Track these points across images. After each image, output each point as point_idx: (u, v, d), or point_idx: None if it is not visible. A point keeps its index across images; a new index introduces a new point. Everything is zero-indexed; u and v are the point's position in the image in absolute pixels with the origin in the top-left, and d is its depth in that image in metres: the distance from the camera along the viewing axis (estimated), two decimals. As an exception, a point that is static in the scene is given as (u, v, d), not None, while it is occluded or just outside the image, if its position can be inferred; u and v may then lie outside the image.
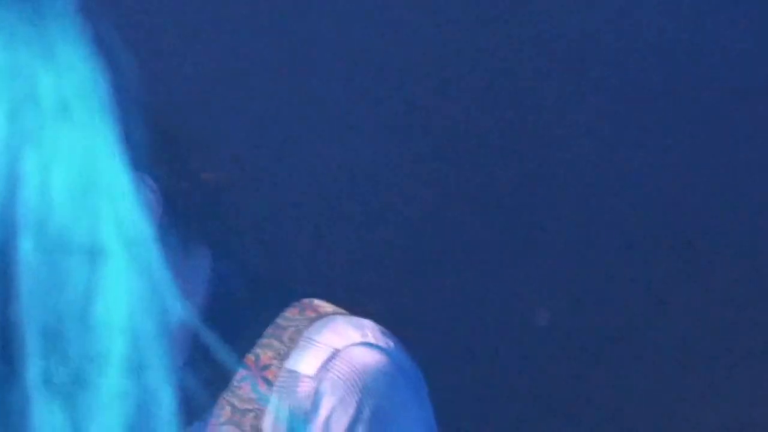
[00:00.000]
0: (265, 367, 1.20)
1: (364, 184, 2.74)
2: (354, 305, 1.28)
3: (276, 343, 1.21)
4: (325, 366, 1.18)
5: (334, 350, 1.19)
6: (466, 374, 2.42)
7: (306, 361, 1.20)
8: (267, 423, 1.18)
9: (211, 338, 0.86)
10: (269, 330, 1.18)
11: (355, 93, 2.84)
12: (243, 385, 1.15)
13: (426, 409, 1.26)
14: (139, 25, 2.32)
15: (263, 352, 1.20)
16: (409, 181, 2.83)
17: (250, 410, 1.20)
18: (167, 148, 1.05)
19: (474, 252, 2.68)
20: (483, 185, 2.90)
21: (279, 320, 1.17)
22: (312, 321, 1.21)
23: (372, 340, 1.22)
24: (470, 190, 2.85)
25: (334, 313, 1.24)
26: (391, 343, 1.25)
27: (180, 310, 0.64)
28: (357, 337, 1.21)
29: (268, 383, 1.14)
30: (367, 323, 1.21)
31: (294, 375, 1.21)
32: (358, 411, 1.19)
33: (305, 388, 1.19)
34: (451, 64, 3.19)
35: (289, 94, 2.93)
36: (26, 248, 0.56)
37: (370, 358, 1.22)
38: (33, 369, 0.58)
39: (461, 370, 2.43)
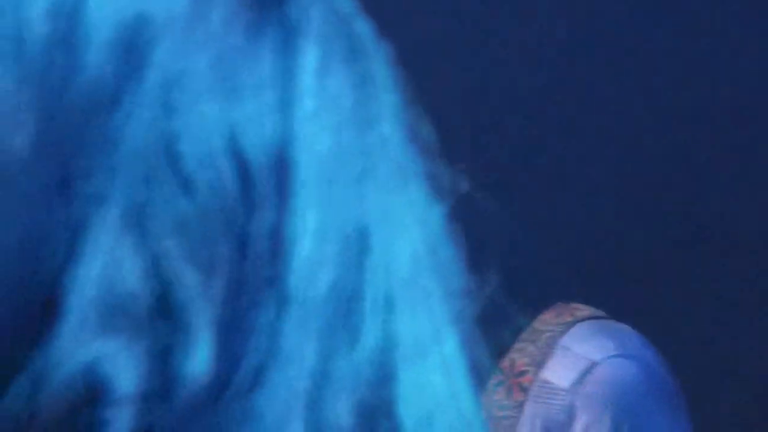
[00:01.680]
0: (521, 374, 1.13)
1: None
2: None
3: (531, 348, 1.16)
4: (581, 380, 1.16)
5: (590, 363, 1.15)
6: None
7: (561, 373, 1.17)
8: None
9: (471, 339, 0.80)
10: (525, 334, 1.13)
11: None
12: (499, 390, 1.10)
13: (681, 421, 1.20)
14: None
15: (519, 357, 1.13)
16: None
17: (504, 417, 1.17)
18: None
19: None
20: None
21: (535, 323, 1.13)
22: (568, 326, 1.16)
23: (630, 351, 1.17)
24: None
25: (591, 317, 1.19)
26: (649, 354, 1.19)
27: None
28: (614, 348, 1.17)
29: (524, 390, 1.12)
30: (626, 330, 1.18)
31: (549, 386, 1.18)
32: (615, 429, 1.15)
33: (560, 401, 1.16)
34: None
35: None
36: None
37: (628, 372, 1.17)
38: None
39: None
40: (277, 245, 0.37)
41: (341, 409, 0.39)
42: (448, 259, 0.50)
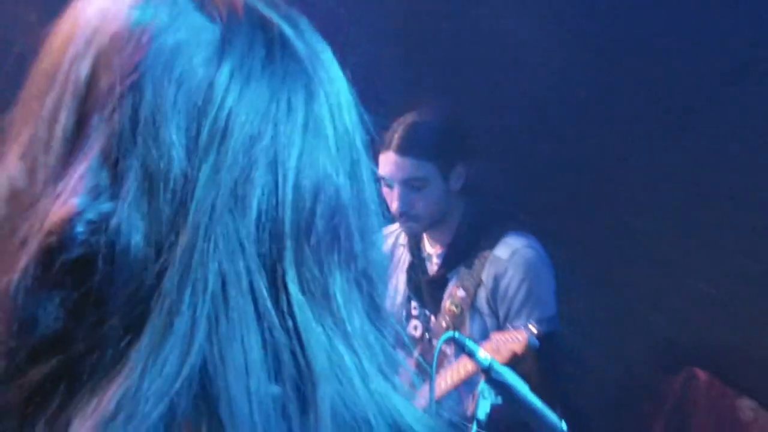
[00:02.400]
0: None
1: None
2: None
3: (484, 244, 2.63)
4: (512, 255, 2.53)
5: (515, 248, 2.56)
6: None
7: (502, 252, 2.56)
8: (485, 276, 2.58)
9: None
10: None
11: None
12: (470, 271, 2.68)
13: (553, 281, 2.63)
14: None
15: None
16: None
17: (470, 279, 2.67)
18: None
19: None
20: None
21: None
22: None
23: (533, 244, 2.60)
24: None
25: (513, 231, 2.67)
26: (540, 246, 2.62)
27: None
28: (526, 242, 2.59)
29: (484, 260, 2.61)
30: (530, 236, 2.66)
31: (497, 258, 2.55)
32: (526, 278, 2.52)
33: (502, 265, 2.54)
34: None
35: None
36: None
37: (532, 252, 2.57)
38: None
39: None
40: None
41: None
42: None
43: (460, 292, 2.55)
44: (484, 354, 1.95)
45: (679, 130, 3.20)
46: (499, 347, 2.22)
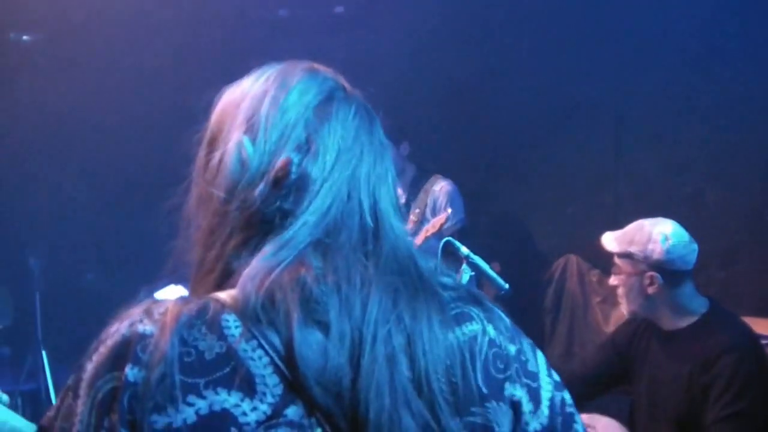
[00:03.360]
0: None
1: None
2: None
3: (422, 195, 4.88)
4: (439, 187, 4.79)
5: (442, 185, 4.85)
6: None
7: (438, 187, 4.84)
8: None
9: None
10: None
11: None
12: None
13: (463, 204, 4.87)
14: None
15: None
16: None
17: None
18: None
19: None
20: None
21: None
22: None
23: (451, 185, 4.87)
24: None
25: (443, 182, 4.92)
26: (455, 185, 4.87)
27: None
28: (448, 184, 4.85)
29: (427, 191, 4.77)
30: (449, 180, 4.94)
31: (433, 190, 4.82)
32: (449, 200, 4.71)
33: (436, 194, 4.79)
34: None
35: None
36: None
37: (450, 187, 4.80)
38: None
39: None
40: None
41: None
42: None
43: (417, 210, 4.58)
44: (465, 249, 2.87)
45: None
46: (434, 224, 3.99)
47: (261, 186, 0.99)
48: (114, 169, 5.40)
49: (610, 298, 4.60)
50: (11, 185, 5.36)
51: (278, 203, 0.99)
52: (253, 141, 1.01)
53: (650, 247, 2.66)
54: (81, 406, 0.92)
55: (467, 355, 0.99)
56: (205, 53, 5.02)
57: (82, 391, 0.93)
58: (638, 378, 2.80)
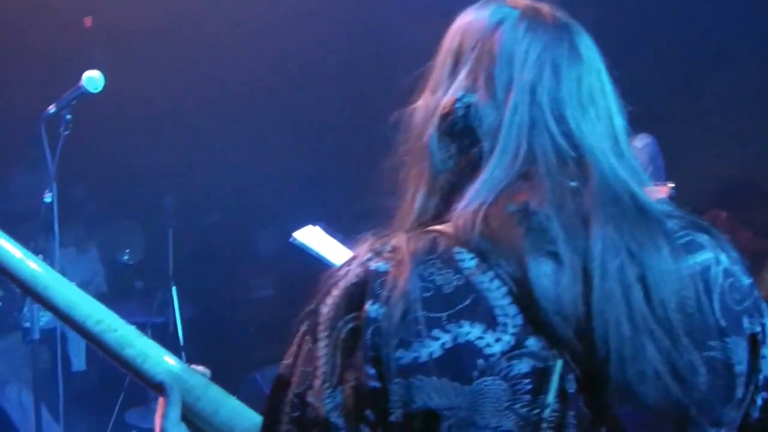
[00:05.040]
0: None
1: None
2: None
3: None
4: None
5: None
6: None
7: None
8: None
9: None
10: None
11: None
12: None
13: None
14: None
15: None
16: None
17: None
18: None
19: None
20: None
21: None
22: None
23: None
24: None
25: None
26: None
27: None
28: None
29: None
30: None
31: None
32: None
33: None
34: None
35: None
36: None
37: None
38: None
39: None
40: None
41: None
42: None
43: None
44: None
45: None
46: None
47: (428, 131, 1.00)
48: (249, 117, 5.47)
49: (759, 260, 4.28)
50: (150, 129, 5.49)
51: (452, 146, 0.99)
52: (434, 92, 1.02)
53: None
54: (322, 349, 0.93)
55: (701, 286, 0.94)
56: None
57: (321, 334, 0.94)
58: None
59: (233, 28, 5.23)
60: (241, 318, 5.76)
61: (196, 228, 5.73)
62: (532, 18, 1.02)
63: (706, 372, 0.92)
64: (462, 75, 1.01)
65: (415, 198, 1.01)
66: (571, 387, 0.90)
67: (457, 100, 0.99)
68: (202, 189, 5.77)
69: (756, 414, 1.00)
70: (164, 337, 4.91)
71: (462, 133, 0.99)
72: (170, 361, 1.20)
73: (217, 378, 1.22)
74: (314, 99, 5.25)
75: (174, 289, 4.96)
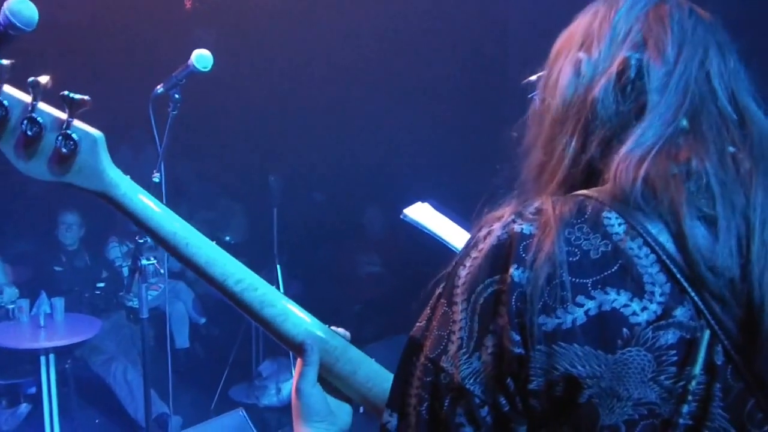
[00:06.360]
0: None
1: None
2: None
3: None
4: None
5: None
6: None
7: None
8: None
9: None
10: None
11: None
12: None
13: None
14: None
15: None
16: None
17: None
18: None
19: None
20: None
21: None
22: None
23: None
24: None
25: None
26: None
27: None
28: None
29: None
30: None
31: None
32: None
33: None
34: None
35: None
36: None
37: None
38: None
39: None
40: None
41: None
42: None
43: None
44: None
45: None
46: None
47: (601, 84, 0.99)
48: (356, 93, 5.45)
49: None
50: (255, 108, 5.53)
51: (620, 98, 0.98)
52: (588, 53, 1.02)
53: None
54: (460, 313, 0.91)
55: None
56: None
57: (459, 297, 0.91)
58: None
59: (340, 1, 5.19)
60: (348, 295, 5.79)
61: (302, 206, 5.77)
62: (690, 5, 1.04)
63: None
64: (629, 36, 1.01)
65: (565, 154, 0.99)
66: (719, 359, 0.86)
67: (629, 57, 0.98)
68: (307, 167, 5.78)
69: None
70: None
71: (631, 87, 0.98)
72: (311, 322, 1.20)
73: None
74: (428, 72, 5.16)
75: (279, 268, 4.97)
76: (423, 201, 2.42)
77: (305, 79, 5.46)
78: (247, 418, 3.98)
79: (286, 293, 1.20)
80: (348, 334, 1.24)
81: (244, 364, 5.25)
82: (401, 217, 2.31)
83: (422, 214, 2.35)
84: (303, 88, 5.53)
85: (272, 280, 4.95)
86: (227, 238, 6.10)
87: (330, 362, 1.18)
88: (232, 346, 5.30)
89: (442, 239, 2.29)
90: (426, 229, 2.33)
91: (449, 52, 5.31)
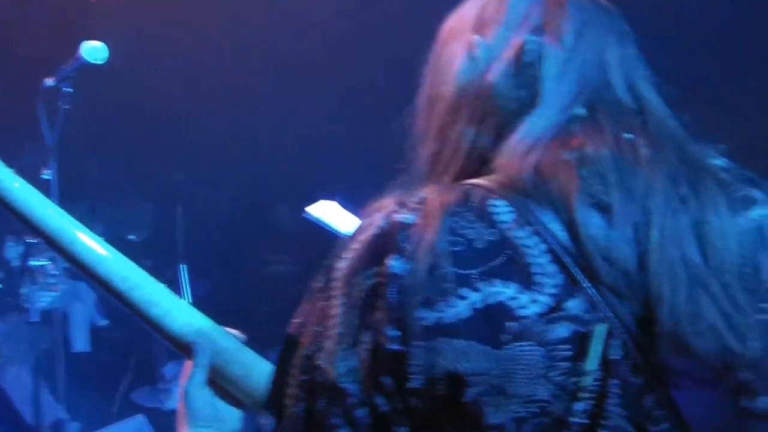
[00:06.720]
0: None
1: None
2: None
3: None
4: None
5: None
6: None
7: None
8: None
9: None
10: None
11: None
12: None
13: None
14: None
15: None
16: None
17: None
18: None
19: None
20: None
21: None
22: None
23: None
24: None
25: None
26: None
27: None
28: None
29: None
30: None
31: None
32: None
33: None
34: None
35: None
36: None
37: None
38: None
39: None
40: None
41: None
42: None
43: None
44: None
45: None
46: None
47: (496, 69, 0.95)
48: (265, 88, 5.37)
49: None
50: (159, 102, 5.39)
51: (516, 84, 0.94)
52: (483, 36, 0.98)
53: None
54: (337, 307, 0.85)
55: (757, 244, 0.89)
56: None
57: (337, 291, 0.86)
58: None
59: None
60: (257, 295, 5.71)
61: (211, 204, 5.66)
62: None
63: (760, 336, 0.85)
64: (527, 19, 0.97)
65: (459, 143, 0.94)
66: (616, 353, 0.83)
67: (527, 41, 0.95)
68: (216, 165, 5.68)
69: None
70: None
71: (528, 73, 0.95)
72: (201, 322, 1.15)
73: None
74: (340, 69, 5.11)
75: (184, 268, 4.86)
76: (332, 199, 2.43)
77: (214, 74, 5.35)
78: (148, 423, 3.86)
79: (193, 294, 1.16)
80: (242, 335, 1.18)
81: (147, 367, 5.11)
82: (303, 215, 2.30)
83: (326, 212, 2.34)
84: (212, 84, 5.41)
85: (176, 281, 4.84)
86: (132, 237, 5.93)
87: (220, 364, 1.13)
88: (135, 349, 5.15)
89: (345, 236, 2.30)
90: (329, 227, 2.33)
91: (361, 48, 5.28)
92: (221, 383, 1.14)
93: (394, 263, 0.83)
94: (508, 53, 0.95)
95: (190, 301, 4.63)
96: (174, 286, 4.93)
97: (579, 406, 0.81)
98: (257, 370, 1.14)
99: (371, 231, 0.86)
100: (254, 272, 5.94)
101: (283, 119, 5.42)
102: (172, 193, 5.02)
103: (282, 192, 5.74)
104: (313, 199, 2.40)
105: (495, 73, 0.95)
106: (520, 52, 0.95)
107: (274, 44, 5.18)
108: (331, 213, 2.39)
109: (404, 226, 0.84)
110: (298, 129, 5.43)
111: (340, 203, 2.43)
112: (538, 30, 0.96)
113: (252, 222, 5.92)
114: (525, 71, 0.94)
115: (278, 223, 6.05)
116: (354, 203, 2.43)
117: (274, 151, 5.49)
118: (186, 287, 4.80)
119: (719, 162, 0.95)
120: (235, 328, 1.18)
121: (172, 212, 5.00)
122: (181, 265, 4.88)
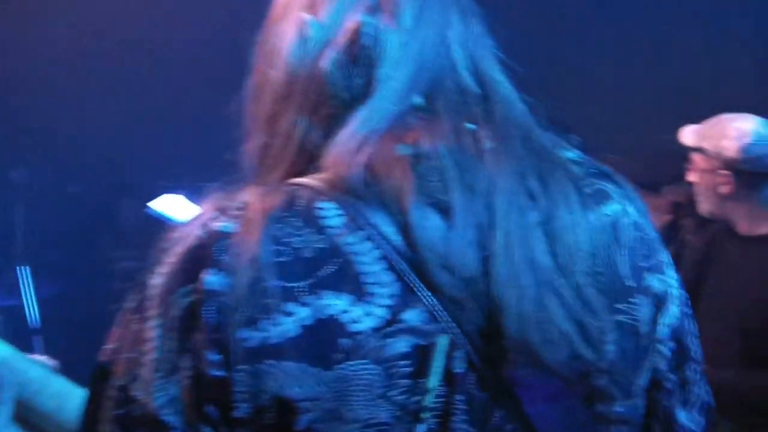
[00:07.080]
0: None
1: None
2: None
3: None
4: None
5: None
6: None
7: None
8: None
9: None
10: None
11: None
12: None
13: None
14: None
15: None
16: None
17: None
18: None
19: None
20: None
21: None
22: None
23: None
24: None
25: None
26: None
27: None
28: None
29: None
30: None
31: None
32: None
33: None
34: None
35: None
36: None
37: None
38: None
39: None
40: None
41: None
42: None
43: None
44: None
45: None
46: None
47: (329, 55, 0.85)
48: (111, 79, 5.20)
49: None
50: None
51: (352, 72, 0.85)
52: (315, 15, 0.88)
53: (724, 143, 2.48)
54: (153, 330, 0.75)
55: (611, 241, 0.84)
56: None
57: (152, 311, 0.76)
58: (707, 282, 2.61)
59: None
60: (105, 293, 5.56)
61: (54, 201, 5.44)
62: None
63: (616, 338, 0.81)
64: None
65: (290, 136, 0.85)
66: (460, 366, 0.76)
67: (362, 23, 0.85)
68: (58, 160, 5.47)
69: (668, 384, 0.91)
70: (18, 321, 4.63)
71: (363, 58, 0.85)
72: (3, 352, 1.02)
73: (80, 358, 1.04)
74: (192, 62, 5.01)
75: (27, 269, 4.67)
76: (177, 192, 2.40)
77: (57, 60, 5.13)
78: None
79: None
80: (53, 361, 1.07)
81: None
82: (145, 210, 2.24)
83: (171, 206, 2.30)
84: (50, 78, 5.20)
85: (16, 283, 4.66)
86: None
87: (28, 397, 1.00)
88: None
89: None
90: (174, 221, 2.32)
91: (217, 41, 5.21)
92: (31, 418, 1.02)
93: (211, 278, 0.74)
94: (341, 37, 0.86)
95: (35, 304, 4.47)
96: (14, 289, 4.75)
97: (421, 428, 0.75)
98: (72, 400, 1.03)
99: (188, 242, 0.77)
100: (101, 270, 5.77)
101: (130, 111, 5.28)
102: (9, 192, 4.80)
103: (127, 185, 5.60)
104: (160, 193, 2.37)
105: (327, 59, 0.85)
106: (355, 36, 0.86)
107: (119, 34, 5.04)
108: (175, 207, 2.37)
109: (223, 236, 0.76)
110: (145, 121, 5.31)
111: (186, 197, 2.41)
112: (375, 9, 0.87)
113: (98, 217, 5.75)
114: (360, 57, 0.85)
115: (122, 218, 5.90)
116: (202, 197, 2.42)
117: (120, 144, 5.35)
118: (28, 290, 4.62)
119: (571, 154, 0.89)
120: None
121: (10, 212, 4.79)
122: (21, 267, 4.69)
